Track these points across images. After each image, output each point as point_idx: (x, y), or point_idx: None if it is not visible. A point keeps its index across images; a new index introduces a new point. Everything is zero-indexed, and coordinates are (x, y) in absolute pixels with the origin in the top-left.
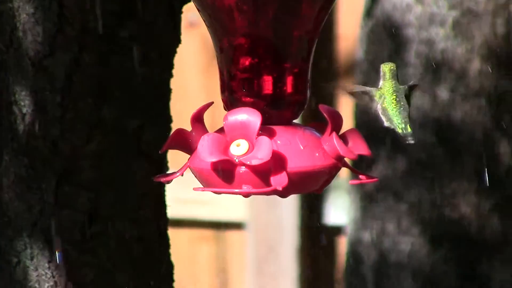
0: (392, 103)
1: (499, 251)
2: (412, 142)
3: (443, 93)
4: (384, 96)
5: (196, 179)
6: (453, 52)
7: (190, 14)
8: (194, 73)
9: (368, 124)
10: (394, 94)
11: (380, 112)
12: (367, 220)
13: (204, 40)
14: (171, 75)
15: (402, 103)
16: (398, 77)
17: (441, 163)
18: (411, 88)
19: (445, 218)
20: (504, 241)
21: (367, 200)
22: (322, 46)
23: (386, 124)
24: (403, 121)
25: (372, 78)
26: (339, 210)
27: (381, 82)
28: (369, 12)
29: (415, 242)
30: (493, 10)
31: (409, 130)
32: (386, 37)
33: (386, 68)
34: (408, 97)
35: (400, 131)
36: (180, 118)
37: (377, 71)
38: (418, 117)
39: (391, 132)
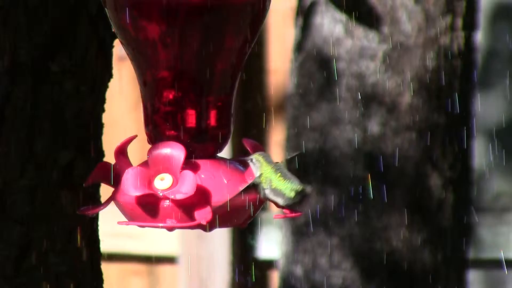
0: (280, 179)
1: (429, 285)
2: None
3: (374, 127)
4: (269, 178)
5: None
6: (384, 85)
7: (119, 48)
8: (125, 107)
9: (299, 157)
10: (278, 172)
11: (271, 195)
12: (299, 254)
13: (134, 74)
14: (103, 110)
15: (288, 175)
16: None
17: (372, 197)
18: (291, 161)
19: (377, 252)
20: (434, 274)
21: (299, 234)
22: (253, 80)
23: (281, 203)
24: (295, 188)
25: (302, 113)
26: (271, 244)
27: (258, 171)
28: (299, 46)
29: (346, 276)
30: (423, 43)
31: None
32: (316, 71)
33: (260, 157)
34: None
35: (293, 196)
36: (111, 152)
37: (307, 105)
38: (350, 151)
39: (321, 165)
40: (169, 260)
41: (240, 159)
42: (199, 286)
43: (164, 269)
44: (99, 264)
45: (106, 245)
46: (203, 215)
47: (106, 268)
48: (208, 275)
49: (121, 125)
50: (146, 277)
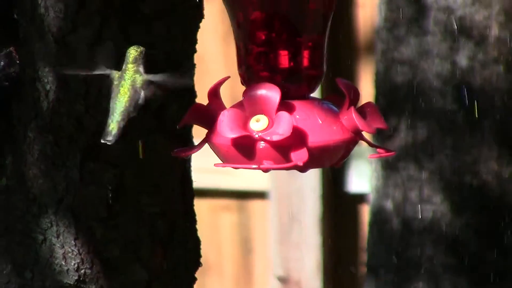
0: (125, 90)
1: None
2: (109, 142)
3: (462, 60)
4: (122, 79)
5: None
6: (471, 19)
7: None
8: (213, 43)
9: (389, 93)
10: (129, 80)
11: (112, 93)
12: (389, 188)
13: (223, 10)
14: (194, 50)
15: (131, 92)
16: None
17: (461, 130)
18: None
19: (466, 186)
20: None
21: (389, 169)
22: (342, 15)
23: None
24: (117, 120)
25: (391, 46)
26: (361, 178)
27: (124, 65)
28: None
29: (436, 210)
30: None
31: (113, 132)
32: (405, 5)
33: (131, 52)
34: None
35: (109, 128)
36: (201, 90)
37: (396, 39)
38: (439, 84)
39: (410, 99)
40: (260, 195)
41: (333, 98)
42: (289, 220)
43: (254, 204)
44: (192, 205)
45: (196, 180)
46: (299, 156)
47: (197, 203)
48: (299, 209)
49: (209, 62)
50: (236, 213)
